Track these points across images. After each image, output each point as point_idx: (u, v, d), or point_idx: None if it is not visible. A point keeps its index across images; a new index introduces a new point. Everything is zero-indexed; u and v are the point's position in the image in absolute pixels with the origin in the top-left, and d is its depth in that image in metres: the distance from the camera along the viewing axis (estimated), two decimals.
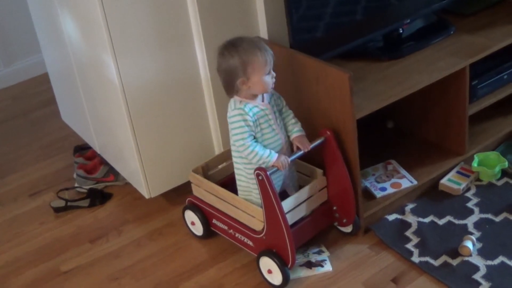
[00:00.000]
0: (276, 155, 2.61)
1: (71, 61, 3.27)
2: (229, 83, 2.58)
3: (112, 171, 3.43)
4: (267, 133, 2.65)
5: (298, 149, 2.69)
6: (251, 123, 2.58)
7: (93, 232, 3.17)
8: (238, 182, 2.76)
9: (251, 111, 2.59)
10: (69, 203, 3.33)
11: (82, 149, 3.69)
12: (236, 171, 2.75)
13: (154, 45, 2.85)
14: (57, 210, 3.33)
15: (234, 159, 2.73)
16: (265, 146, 2.62)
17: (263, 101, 2.63)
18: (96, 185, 3.43)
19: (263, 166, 2.58)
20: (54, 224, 3.26)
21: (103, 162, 3.47)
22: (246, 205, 2.73)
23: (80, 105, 3.41)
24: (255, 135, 2.61)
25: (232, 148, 2.71)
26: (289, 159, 2.64)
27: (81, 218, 3.27)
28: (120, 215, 3.26)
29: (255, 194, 2.69)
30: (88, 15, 2.82)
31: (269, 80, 2.57)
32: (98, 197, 3.35)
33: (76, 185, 3.46)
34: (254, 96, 2.61)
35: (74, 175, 3.50)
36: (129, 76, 2.84)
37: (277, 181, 2.70)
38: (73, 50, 3.21)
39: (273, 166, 2.59)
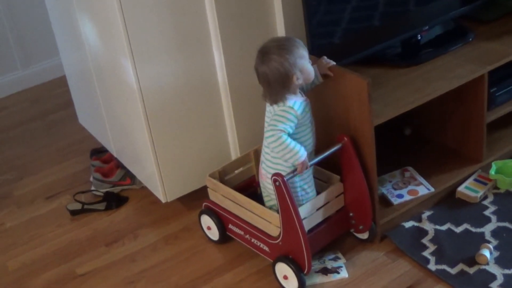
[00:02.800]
0: (306, 153, 2.62)
1: (89, 64, 3.29)
2: (285, 83, 2.57)
3: (128, 175, 3.44)
4: (304, 129, 2.66)
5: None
6: (296, 121, 2.60)
7: (109, 236, 3.18)
8: (265, 185, 2.76)
9: (299, 109, 2.61)
10: (85, 206, 3.34)
11: (99, 152, 3.70)
12: (265, 169, 2.74)
13: (172, 49, 2.86)
14: (74, 213, 3.34)
15: (266, 158, 2.72)
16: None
17: (302, 96, 2.67)
18: (113, 188, 3.44)
19: (291, 161, 2.59)
20: (71, 227, 3.28)
21: (120, 165, 3.48)
22: (262, 211, 2.73)
23: (98, 108, 3.42)
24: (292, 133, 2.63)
25: (265, 150, 2.71)
26: (309, 164, 2.65)
27: (97, 221, 3.28)
28: (136, 218, 3.27)
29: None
30: (107, 19, 2.83)
31: (311, 67, 2.61)
32: (114, 201, 3.36)
33: (92, 188, 3.47)
34: (296, 91, 2.64)
35: (91, 178, 3.51)
36: (147, 80, 2.84)
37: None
38: (91, 53, 3.22)
39: (297, 164, 2.60)
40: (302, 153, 2.60)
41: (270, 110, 2.65)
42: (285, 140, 2.58)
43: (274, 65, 2.55)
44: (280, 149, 2.59)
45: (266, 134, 2.65)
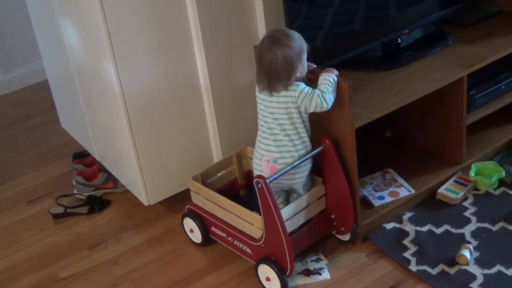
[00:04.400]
0: (333, 75, 2.65)
1: (71, 68, 3.29)
2: (289, 71, 2.59)
3: (111, 178, 3.44)
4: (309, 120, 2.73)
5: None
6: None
7: (92, 239, 3.18)
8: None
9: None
10: (68, 210, 3.34)
11: (81, 156, 3.70)
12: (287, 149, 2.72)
13: (155, 52, 2.87)
14: (56, 216, 3.33)
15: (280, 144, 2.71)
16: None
17: None
18: (95, 192, 3.44)
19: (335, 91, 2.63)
20: (53, 231, 3.27)
21: (102, 169, 3.48)
22: (245, 213, 2.74)
23: (80, 112, 3.42)
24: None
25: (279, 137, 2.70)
26: (289, 167, 2.67)
27: (80, 225, 3.28)
28: (119, 222, 3.27)
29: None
30: (89, 23, 2.83)
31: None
32: (97, 204, 3.36)
33: (75, 191, 3.46)
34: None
35: (73, 182, 3.51)
36: (129, 83, 2.85)
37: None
38: (74, 57, 3.22)
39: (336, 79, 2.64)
40: (334, 78, 2.63)
41: (267, 99, 2.65)
42: (321, 94, 2.60)
43: (284, 51, 2.57)
44: (329, 96, 2.60)
45: (291, 116, 2.65)
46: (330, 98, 2.60)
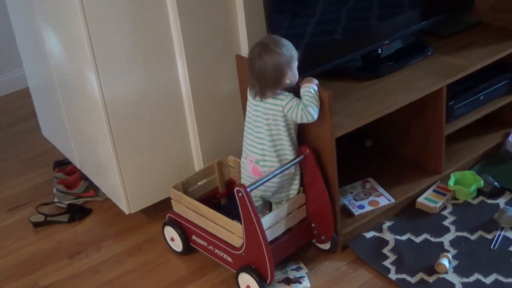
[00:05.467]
0: (314, 85, 2.67)
1: (53, 76, 3.28)
2: (278, 78, 2.63)
3: (92, 187, 3.44)
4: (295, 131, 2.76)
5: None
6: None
7: (73, 247, 3.17)
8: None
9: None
10: (48, 218, 3.33)
11: (62, 164, 3.69)
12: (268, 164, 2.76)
13: (137, 61, 2.88)
14: (37, 225, 3.32)
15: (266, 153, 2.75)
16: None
17: None
18: (76, 200, 3.43)
19: (318, 102, 2.64)
20: (33, 239, 3.26)
21: (83, 177, 3.47)
22: (225, 222, 2.75)
23: (61, 120, 3.41)
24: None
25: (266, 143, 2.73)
26: (270, 176, 2.68)
27: (61, 233, 3.27)
28: (99, 230, 3.27)
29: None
30: (71, 31, 2.83)
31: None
32: (77, 212, 3.35)
33: (55, 200, 3.45)
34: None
35: (54, 190, 3.50)
36: (110, 92, 2.85)
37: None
38: (55, 65, 3.22)
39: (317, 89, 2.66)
40: (314, 88, 2.65)
41: (257, 104, 2.69)
42: (304, 107, 2.63)
43: (274, 57, 2.61)
44: (313, 109, 2.63)
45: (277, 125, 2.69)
46: (313, 110, 2.62)
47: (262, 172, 2.74)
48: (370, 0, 3.08)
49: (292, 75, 2.66)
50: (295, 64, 2.66)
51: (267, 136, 2.71)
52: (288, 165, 2.72)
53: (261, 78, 2.65)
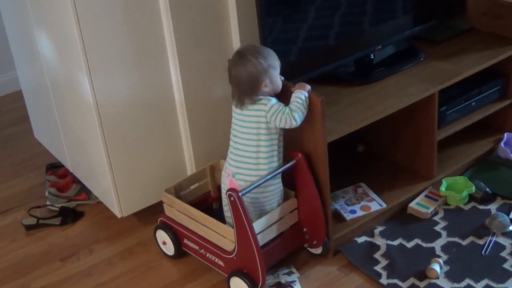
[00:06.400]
0: (305, 91, 2.66)
1: (46, 78, 3.28)
2: (254, 86, 2.63)
3: (84, 190, 3.44)
4: (281, 140, 2.76)
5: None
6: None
7: (65, 251, 3.17)
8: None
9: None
10: (40, 221, 3.32)
11: (55, 167, 3.68)
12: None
13: (129, 64, 2.88)
14: (28, 227, 3.32)
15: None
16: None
17: None
18: (68, 203, 3.43)
19: (306, 108, 2.64)
20: (25, 242, 3.25)
21: (76, 180, 3.47)
22: (217, 226, 2.75)
23: (54, 123, 3.41)
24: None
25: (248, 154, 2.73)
26: (261, 181, 2.69)
27: (53, 236, 3.27)
28: (91, 233, 3.26)
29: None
30: (64, 34, 2.84)
31: (280, 81, 2.69)
32: (69, 216, 3.35)
33: (48, 203, 3.45)
34: None
35: (46, 193, 3.50)
36: (103, 95, 2.86)
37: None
38: (48, 67, 3.22)
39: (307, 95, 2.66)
40: (304, 95, 2.64)
41: (239, 113, 2.69)
42: (290, 112, 2.62)
43: (248, 66, 2.61)
44: (298, 115, 2.62)
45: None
46: (299, 116, 2.62)
47: (238, 186, 2.73)
48: (363, 6, 3.09)
49: (272, 84, 2.65)
50: (275, 72, 2.65)
51: (243, 147, 2.70)
52: (280, 170, 2.73)
53: (237, 87, 2.66)
